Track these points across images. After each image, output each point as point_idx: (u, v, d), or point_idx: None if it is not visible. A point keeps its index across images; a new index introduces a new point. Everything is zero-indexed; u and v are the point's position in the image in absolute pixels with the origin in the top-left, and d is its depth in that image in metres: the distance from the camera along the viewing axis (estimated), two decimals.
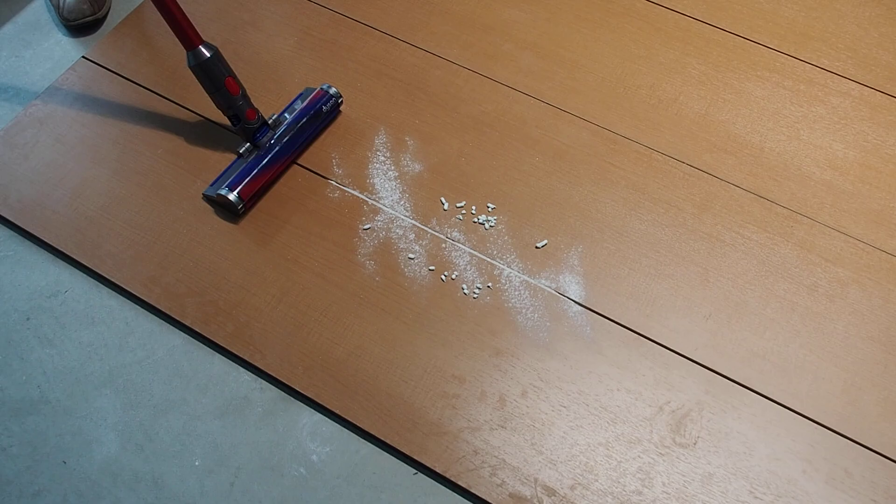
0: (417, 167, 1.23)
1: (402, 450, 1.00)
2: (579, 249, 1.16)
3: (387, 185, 1.22)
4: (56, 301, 1.13)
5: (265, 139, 1.20)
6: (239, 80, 1.15)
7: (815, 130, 1.28)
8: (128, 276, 1.13)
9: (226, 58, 1.35)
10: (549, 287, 1.12)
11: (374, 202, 1.20)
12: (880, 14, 1.41)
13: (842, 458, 1.00)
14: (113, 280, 1.13)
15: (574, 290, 1.12)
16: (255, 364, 1.07)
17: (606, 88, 1.32)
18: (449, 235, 1.17)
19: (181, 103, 1.30)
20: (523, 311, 1.10)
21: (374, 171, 1.23)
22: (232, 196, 1.15)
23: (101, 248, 1.16)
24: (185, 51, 1.14)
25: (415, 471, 1.01)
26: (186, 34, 1.09)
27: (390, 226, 1.18)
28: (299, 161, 1.24)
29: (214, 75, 1.12)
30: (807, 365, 1.06)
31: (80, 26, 1.40)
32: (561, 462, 0.99)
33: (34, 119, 1.28)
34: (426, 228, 1.18)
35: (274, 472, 1.01)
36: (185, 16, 1.09)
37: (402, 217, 1.19)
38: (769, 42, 1.38)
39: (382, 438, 1.01)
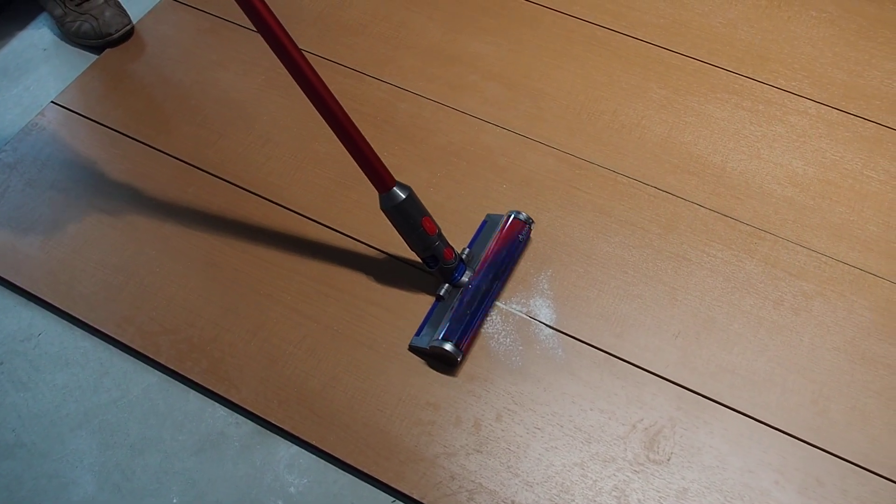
0: None
1: (380, 478, 1.01)
2: (548, 273, 1.17)
3: (357, 218, 1.23)
4: (29, 344, 1.13)
5: (464, 278, 1.12)
6: (433, 219, 1.07)
7: (774, 149, 1.31)
8: (101, 317, 1.14)
9: (194, 98, 1.37)
10: (520, 311, 1.14)
11: (344, 236, 1.21)
12: (833, 34, 1.45)
13: (813, 467, 1.01)
14: (86, 321, 1.14)
15: (545, 313, 1.14)
16: (231, 399, 1.07)
17: (570, 115, 1.35)
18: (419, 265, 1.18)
19: (151, 144, 1.31)
20: (495, 336, 1.12)
21: (340, 203, 1.24)
22: (449, 347, 1.05)
23: (73, 289, 1.16)
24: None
25: (393, 499, 1.01)
26: (381, 176, 1.01)
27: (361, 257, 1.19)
28: (255, 191, 1.25)
29: (411, 216, 1.04)
30: (775, 378, 1.08)
31: (122, 37, 1.45)
32: (537, 484, 1.00)
33: (4, 164, 1.29)
34: (398, 260, 1.19)
35: None
36: (378, 157, 1.01)
37: (374, 248, 1.20)
38: (727, 65, 1.42)
39: (359, 468, 1.02)
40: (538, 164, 1.29)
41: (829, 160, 1.29)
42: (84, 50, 1.46)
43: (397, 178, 1.03)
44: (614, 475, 1.01)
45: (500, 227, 1.17)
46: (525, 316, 1.13)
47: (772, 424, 1.05)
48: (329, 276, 1.17)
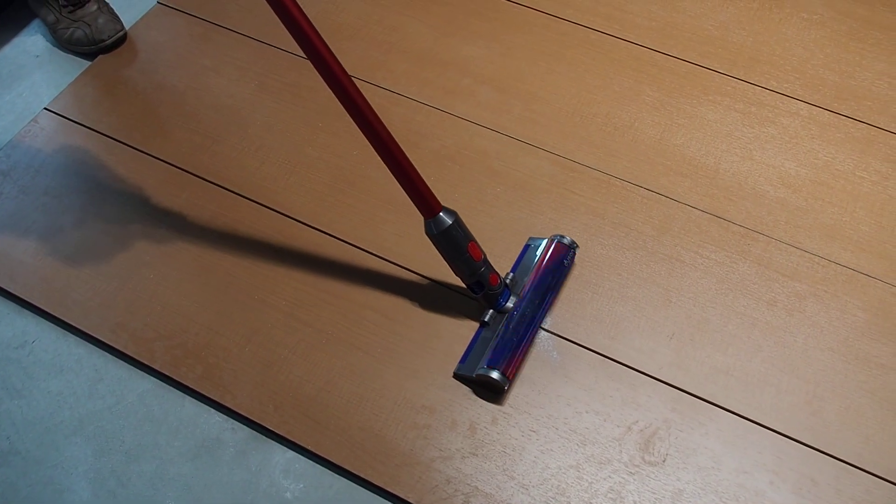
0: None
1: (375, 482, 1.01)
2: None
3: (351, 222, 1.23)
4: (23, 352, 1.13)
5: (508, 304, 1.11)
6: (479, 244, 1.05)
7: (767, 150, 1.31)
8: (95, 324, 1.14)
9: (188, 104, 1.37)
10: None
11: (338, 241, 1.22)
12: (825, 36, 1.46)
13: (807, 467, 1.01)
14: (80, 328, 1.13)
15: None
16: (226, 405, 1.07)
17: (564, 118, 1.35)
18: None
19: (145, 150, 1.31)
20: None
21: (334, 207, 1.25)
22: (496, 376, 1.03)
23: (67, 296, 1.16)
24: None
25: (389, 503, 1.01)
26: (427, 202, 1.00)
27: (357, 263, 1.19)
28: (249, 196, 1.25)
29: (458, 242, 1.02)
30: (769, 378, 1.08)
31: (114, 43, 1.45)
32: (533, 486, 1.00)
33: None
34: (392, 264, 1.19)
35: None
36: (424, 182, 1.00)
37: (368, 253, 1.20)
38: (719, 67, 1.42)
39: (355, 472, 1.02)
40: (532, 167, 1.29)
41: (822, 161, 1.30)
42: (77, 56, 1.46)
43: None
44: (610, 477, 1.01)
45: (543, 252, 1.15)
46: None
47: (766, 425, 1.05)
48: (323, 280, 1.17)
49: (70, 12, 1.43)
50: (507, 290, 1.11)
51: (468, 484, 1.01)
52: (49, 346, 1.14)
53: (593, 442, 1.04)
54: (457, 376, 1.09)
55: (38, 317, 1.16)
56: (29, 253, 1.20)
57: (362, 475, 1.01)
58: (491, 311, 1.11)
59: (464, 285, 1.09)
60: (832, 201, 1.25)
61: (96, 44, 1.42)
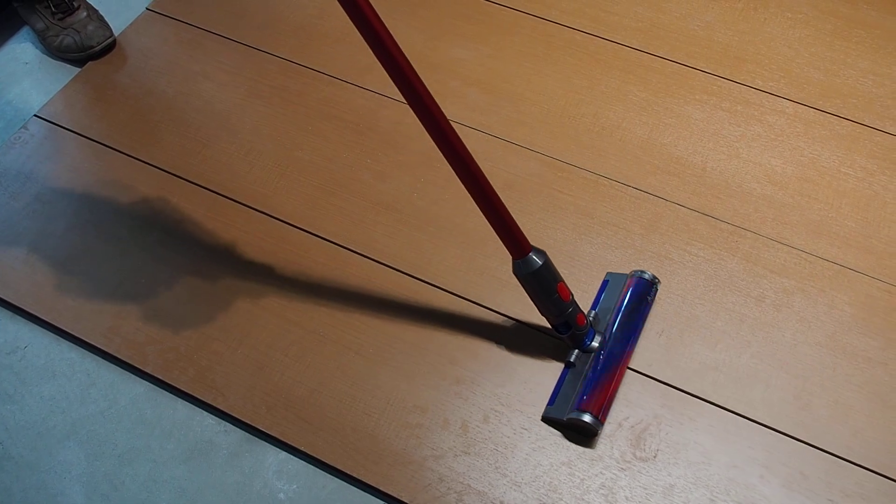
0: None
1: (368, 482, 1.01)
2: None
3: (340, 224, 1.24)
4: (15, 357, 1.13)
5: (594, 343, 1.08)
6: (567, 284, 1.02)
7: (753, 148, 1.32)
8: (87, 328, 1.14)
9: (177, 109, 1.37)
10: (506, 315, 1.15)
11: (328, 242, 1.22)
12: (809, 35, 1.47)
13: (797, 461, 1.02)
14: (72, 333, 1.14)
15: (529, 315, 1.14)
16: (218, 407, 1.07)
17: (551, 119, 1.36)
18: None
19: (135, 155, 1.32)
20: (482, 339, 1.12)
21: (325, 210, 1.25)
22: (588, 419, 1.01)
23: (59, 301, 1.16)
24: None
25: (383, 502, 1.02)
26: (518, 242, 0.97)
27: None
28: (240, 200, 1.26)
29: (548, 283, 0.99)
30: (758, 373, 1.09)
31: (103, 49, 1.45)
32: (525, 483, 1.01)
33: None
34: (382, 265, 1.20)
35: None
36: (515, 222, 0.96)
37: (358, 254, 1.21)
38: (705, 67, 1.43)
39: (348, 472, 1.02)
40: (520, 167, 1.30)
41: (807, 158, 1.31)
42: (66, 63, 1.47)
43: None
44: (601, 473, 1.02)
45: (624, 288, 1.13)
46: (510, 318, 1.14)
47: (756, 420, 1.06)
48: (315, 282, 1.18)
49: (59, 19, 1.44)
50: (591, 329, 1.09)
51: (461, 482, 1.01)
52: (41, 351, 1.14)
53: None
54: (545, 419, 1.06)
55: (29, 322, 1.17)
56: (20, 259, 1.20)
57: (355, 475, 1.02)
58: (576, 351, 1.09)
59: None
60: (818, 198, 1.26)
61: (86, 50, 1.43)
